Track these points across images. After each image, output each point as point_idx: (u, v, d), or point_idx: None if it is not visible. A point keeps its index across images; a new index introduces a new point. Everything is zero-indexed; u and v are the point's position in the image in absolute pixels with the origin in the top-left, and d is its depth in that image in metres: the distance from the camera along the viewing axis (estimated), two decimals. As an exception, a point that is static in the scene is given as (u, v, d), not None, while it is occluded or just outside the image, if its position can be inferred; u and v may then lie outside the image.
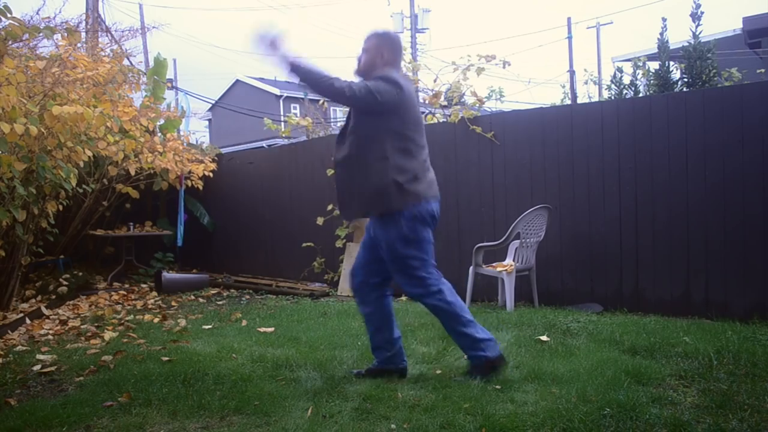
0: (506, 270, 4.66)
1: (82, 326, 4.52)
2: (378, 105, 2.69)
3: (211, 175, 7.23)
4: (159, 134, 6.92)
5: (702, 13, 8.45)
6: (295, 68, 2.66)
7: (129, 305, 5.52)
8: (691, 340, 3.42)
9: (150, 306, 5.48)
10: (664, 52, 8.73)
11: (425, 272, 2.85)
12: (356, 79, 2.85)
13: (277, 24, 2.70)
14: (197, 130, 28.14)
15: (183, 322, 4.56)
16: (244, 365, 3.21)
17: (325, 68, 2.70)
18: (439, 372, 3.04)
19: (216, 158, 7.50)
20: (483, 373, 2.82)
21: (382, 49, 2.85)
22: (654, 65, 9.26)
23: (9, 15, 3.60)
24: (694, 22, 8.46)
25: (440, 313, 2.87)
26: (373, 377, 2.92)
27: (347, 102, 2.72)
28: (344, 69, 3.00)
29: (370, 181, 2.75)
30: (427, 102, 6.52)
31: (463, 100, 6.01)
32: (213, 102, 28.71)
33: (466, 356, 2.97)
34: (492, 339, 2.89)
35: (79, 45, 5.52)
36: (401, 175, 2.74)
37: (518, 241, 4.72)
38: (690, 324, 3.93)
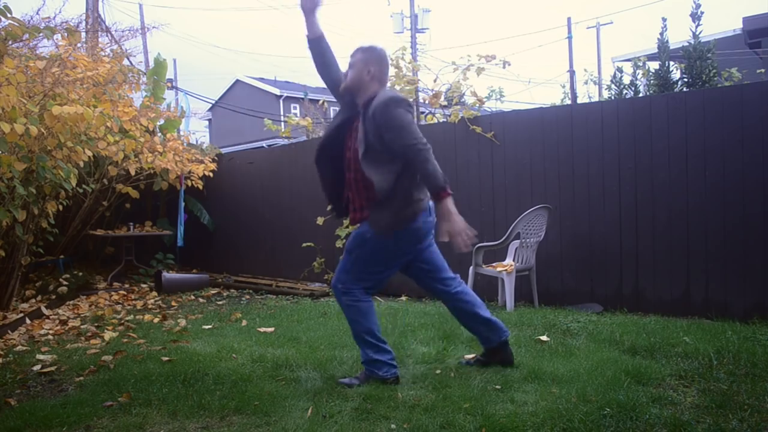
0: (506, 270, 4.66)
1: (82, 326, 4.52)
2: None
3: (211, 175, 7.24)
4: (159, 134, 6.93)
5: (702, 13, 8.45)
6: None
7: (129, 305, 5.52)
8: (691, 340, 3.42)
9: (150, 306, 5.48)
10: (664, 52, 8.74)
11: (357, 285, 2.89)
12: (342, 93, 2.91)
13: None
14: (197, 130, 28.15)
15: (183, 322, 4.56)
16: (244, 365, 3.21)
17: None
18: (439, 372, 3.03)
19: (216, 158, 7.50)
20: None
21: (369, 65, 2.83)
22: (654, 65, 9.27)
23: (9, 15, 3.60)
24: (694, 22, 8.47)
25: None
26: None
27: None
28: (344, 69, 3.00)
29: (394, 200, 2.74)
30: (427, 102, 6.52)
31: (463, 100, 6.01)
32: (213, 102, 28.72)
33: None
34: (384, 360, 2.88)
35: (79, 45, 5.51)
36: (407, 197, 2.80)
37: (518, 241, 4.72)
38: (690, 324, 3.92)
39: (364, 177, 2.73)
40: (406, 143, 2.66)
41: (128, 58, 7.41)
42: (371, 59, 2.86)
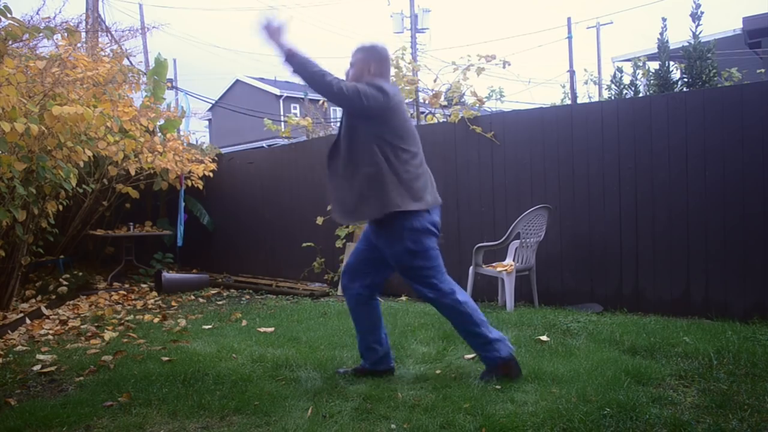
0: (506, 270, 4.66)
1: (82, 326, 4.52)
2: (364, 109, 2.70)
3: (211, 175, 7.23)
4: (159, 134, 6.93)
5: (702, 13, 8.45)
6: (291, 57, 2.65)
7: (129, 305, 5.52)
8: (691, 340, 3.42)
9: (150, 306, 5.48)
10: (664, 52, 8.74)
11: (436, 279, 2.84)
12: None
13: (281, 14, 2.69)
14: (197, 130, 28.18)
15: (183, 322, 4.56)
16: (244, 365, 3.21)
17: (324, 66, 2.70)
18: (439, 372, 3.03)
19: (216, 158, 7.50)
20: (498, 373, 2.81)
21: (370, 63, 2.87)
22: (654, 65, 9.27)
23: (9, 15, 3.60)
24: (694, 22, 8.47)
25: (453, 313, 2.87)
26: (359, 376, 2.95)
27: (334, 98, 2.69)
28: (344, 69, 3.03)
29: (361, 187, 2.76)
30: (427, 102, 6.52)
31: (463, 100, 6.01)
32: (213, 102, 28.72)
33: (478, 357, 2.96)
34: (504, 339, 2.89)
35: (79, 45, 5.51)
36: (396, 183, 2.75)
37: (518, 241, 4.72)
38: (690, 324, 3.92)
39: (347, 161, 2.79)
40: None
41: (128, 58, 7.41)
42: (372, 58, 2.88)
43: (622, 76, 9.96)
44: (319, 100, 8.10)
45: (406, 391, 2.74)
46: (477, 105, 5.70)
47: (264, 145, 14.81)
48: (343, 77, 2.85)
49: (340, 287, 5.95)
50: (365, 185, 2.75)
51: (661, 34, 9.00)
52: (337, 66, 6.97)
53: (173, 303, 5.64)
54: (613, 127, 4.69)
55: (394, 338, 3.69)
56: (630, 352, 3.28)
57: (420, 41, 20.84)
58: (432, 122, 6.50)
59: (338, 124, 2.98)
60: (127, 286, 6.45)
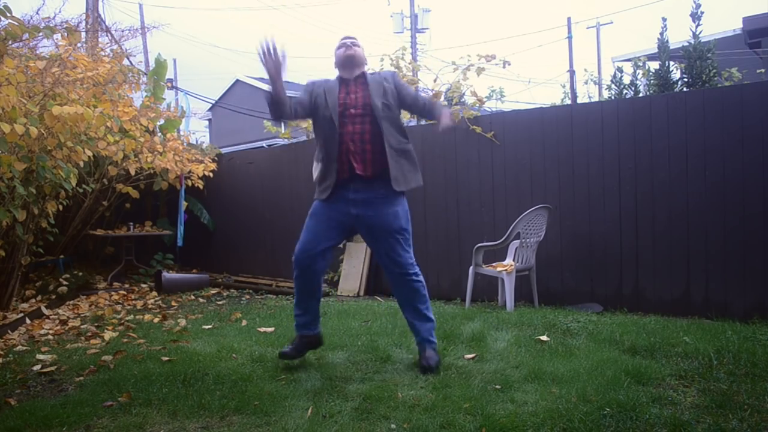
0: (506, 270, 4.66)
1: (82, 326, 4.52)
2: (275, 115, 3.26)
3: (211, 175, 7.24)
4: (159, 134, 6.93)
5: (702, 13, 8.44)
6: (270, 97, 3.13)
7: (129, 305, 5.52)
8: (691, 340, 3.42)
9: (150, 306, 5.48)
10: (664, 52, 8.73)
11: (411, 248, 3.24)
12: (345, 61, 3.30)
13: (284, 46, 2.98)
14: (197, 130, 28.19)
15: (183, 322, 4.56)
16: (244, 365, 3.21)
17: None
18: (439, 372, 3.03)
19: (216, 158, 7.50)
20: (437, 353, 3.14)
21: (363, 51, 3.36)
22: (654, 65, 9.26)
23: (9, 15, 3.60)
24: (694, 22, 8.45)
25: (419, 289, 3.18)
26: (296, 356, 3.18)
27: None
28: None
29: (409, 160, 3.22)
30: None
31: (463, 100, 6.01)
32: (213, 102, 28.71)
33: (424, 342, 3.16)
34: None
35: (79, 45, 5.51)
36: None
37: (518, 241, 4.72)
38: (690, 324, 3.92)
39: (381, 130, 3.07)
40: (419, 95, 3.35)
41: (128, 58, 7.41)
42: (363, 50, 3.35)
43: (622, 76, 9.94)
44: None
45: (406, 391, 2.74)
46: (477, 105, 5.70)
47: (264, 145, 14.80)
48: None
49: (339, 287, 5.98)
50: (411, 159, 3.22)
51: (661, 34, 8.98)
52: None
53: (173, 303, 5.64)
54: (613, 127, 4.69)
55: (394, 338, 3.69)
56: (630, 352, 3.28)
57: (420, 41, 20.86)
58: (432, 122, 6.50)
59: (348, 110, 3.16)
60: (127, 286, 6.45)
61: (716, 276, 4.30)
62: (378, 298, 5.68)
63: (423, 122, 6.64)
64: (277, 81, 3.02)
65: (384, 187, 3.10)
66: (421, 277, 3.18)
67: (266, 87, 3.24)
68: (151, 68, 7.96)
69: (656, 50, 8.93)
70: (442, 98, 6.13)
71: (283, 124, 7.52)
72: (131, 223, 7.05)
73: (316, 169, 3.21)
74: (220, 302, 5.74)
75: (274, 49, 2.92)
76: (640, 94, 9.46)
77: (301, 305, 3.26)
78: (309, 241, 3.17)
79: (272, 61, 2.94)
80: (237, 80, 29.32)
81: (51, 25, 5.02)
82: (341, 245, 6.09)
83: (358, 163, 3.06)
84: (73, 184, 4.55)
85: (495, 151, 5.26)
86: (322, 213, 3.18)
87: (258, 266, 7.09)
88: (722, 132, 4.27)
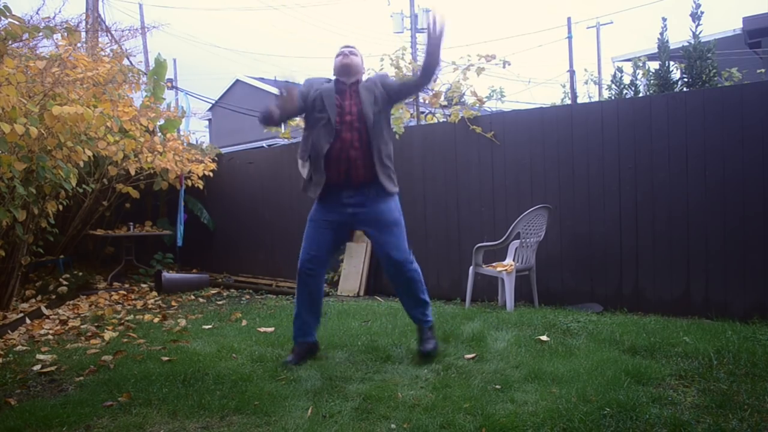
0: (506, 270, 4.66)
1: (82, 326, 4.52)
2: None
3: (211, 174, 7.23)
4: (159, 134, 6.92)
5: (702, 13, 8.43)
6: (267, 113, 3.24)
7: (129, 305, 5.52)
8: (691, 340, 3.42)
9: (150, 306, 5.48)
10: (664, 52, 8.72)
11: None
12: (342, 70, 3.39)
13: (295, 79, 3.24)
14: (197, 130, 28.19)
15: (183, 322, 4.56)
16: (244, 365, 3.21)
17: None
18: (439, 372, 3.03)
19: (216, 158, 7.50)
20: (434, 336, 3.36)
21: (362, 60, 3.49)
22: (654, 65, 9.25)
23: (9, 14, 3.60)
24: (694, 21, 8.45)
25: (416, 278, 3.32)
26: (299, 363, 3.21)
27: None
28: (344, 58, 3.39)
29: (390, 161, 3.32)
30: (427, 102, 6.52)
31: (463, 100, 6.01)
32: (213, 102, 28.71)
33: (420, 322, 3.36)
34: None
35: (79, 45, 5.51)
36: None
37: (518, 241, 4.72)
38: (690, 324, 3.92)
39: (370, 140, 3.18)
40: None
41: (128, 58, 7.40)
42: (361, 58, 3.46)
43: (622, 76, 9.93)
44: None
45: (406, 391, 2.74)
46: (477, 105, 5.70)
47: (264, 145, 14.81)
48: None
49: (339, 287, 5.98)
50: (390, 160, 3.32)
51: (661, 33, 8.97)
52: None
53: (173, 303, 5.64)
54: (613, 127, 4.69)
55: (394, 338, 3.69)
56: (630, 352, 3.28)
57: (420, 41, 20.83)
58: (432, 122, 6.50)
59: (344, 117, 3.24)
60: (127, 286, 6.45)
61: (716, 276, 4.30)
62: (378, 298, 5.68)
63: (423, 122, 6.65)
64: (283, 113, 3.25)
65: (375, 189, 3.24)
66: (416, 266, 3.33)
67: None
68: (151, 68, 7.96)
69: (656, 50, 8.93)
70: (442, 98, 6.14)
71: (283, 125, 7.52)
72: (131, 223, 7.05)
73: (304, 168, 3.30)
74: (220, 302, 5.74)
75: (291, 93, 3.14)
76: (640, 94, 9.46)
77: (302, 313, 3.36)
78: (311, 248, 3.29)
79: (287, 102, 3.16)
80: (237, 80, 29.31)
81: (51, 25, 5.02)
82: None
83: (351, 169, 3.19)
84: (73, 184, 4.55)
85: (495, 151, 5.26)
86: (320, 218, 3.30)
87: (258, 266, 7.09)
88: (722, 132, 4.26)
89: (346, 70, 3.33)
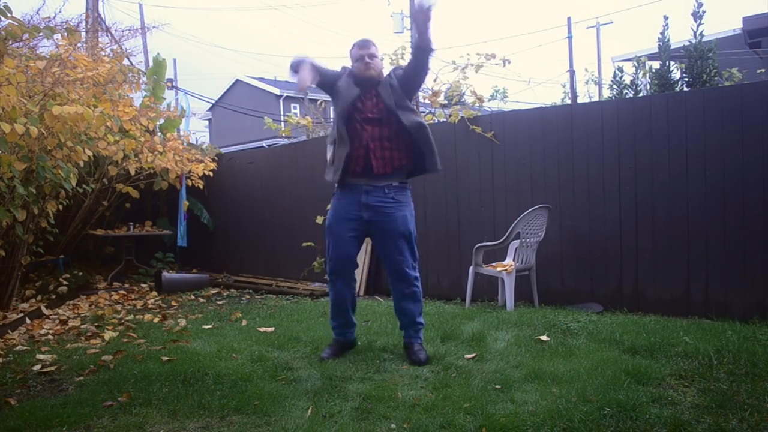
0: (506, 270, 4.66)
1: (82, 326, 4.52)
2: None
3: (211, 174, 7.24)
4: (159, 134, 6.92)
5: (704, 12, 8.43)
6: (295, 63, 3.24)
7: (129, 305, 5.52)
8: (691, 340, 3.42)
9: (150, 306, 5.48)
10: (664, 52, 8.72)
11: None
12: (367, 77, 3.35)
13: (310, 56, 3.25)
14: (197, 130, 28.18)
15: (183, 322, 4.56)
16: (244, 365, 3.21)
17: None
18: (439, 372, 3.03)
19: (216, 158, 7.50)
20: (424, 348, 3.34)
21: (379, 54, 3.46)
22: (654, 65, 9.25)
23: (9, 15, 3.60)
24: (695, 21, 8.45)
25: (418, 299, 3.37)
26: (335, 357, 3.32)
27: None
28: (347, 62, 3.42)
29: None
30: (427, 101, 6.52)
31: (463, 99, 6.01)
32: (213, 102, 28.75)
33: (410, 338, 3.37)
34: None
35: (79, 45, 5.51)
36: None
37: (518, 240, 4.72)
38: (690, 324, 3.92)
39: (399, 132, 3.24)
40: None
41: (128, 58, 7.41)
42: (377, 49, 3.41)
43: (622, 76, 9.93)
44: (318, 100, 8.09)
45: (406, 391, 2.74)
46: (477, 104, 5.70)
47: (264, 144, 14.81)
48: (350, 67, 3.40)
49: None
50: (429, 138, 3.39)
51: (662, 33, 8.96)
52: (338, 65, 6.93)
53: (173, 303, 5.64)
54: (614, 126, 4.69)
55: (394, 338, 3.69)
56: (630, 352, 3.28)
57: (420, 41, 20.78)
58: (432, 121, 6.49)
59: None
60: (127, 285, 6.45)
61: (716, 276, 4.30)
62: (378, 298, 5.68)
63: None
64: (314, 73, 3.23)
65: (393, 190, 3.28)
66: (419, 283, 3.37)
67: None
68: (150, 68, 7.95)
69: (657, 50, 8.93)
70: (442, 97, 6.13)
71: (283, 123, 7.52)
72: (131, 223, 7.04)
73: (329, 150, 3.37)
74: (220, 302, 5.74)
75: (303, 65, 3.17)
76: (641, 94, 9.45)
77: (338, 316, 3.47)
78: (339, 251, 3.35)
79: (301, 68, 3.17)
80: (237, 80, 29.34)
81: (51, 24, 5.03)
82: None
83: (376, 159, 3.21)
84: (73, 184, 4.55)
85: (495, 150, 5.26)
86: (340, 223, 3.34)
87: (258, 266, 7.09)
88: (722, 132, 4.26)
89: (369, 79, 3.29)
